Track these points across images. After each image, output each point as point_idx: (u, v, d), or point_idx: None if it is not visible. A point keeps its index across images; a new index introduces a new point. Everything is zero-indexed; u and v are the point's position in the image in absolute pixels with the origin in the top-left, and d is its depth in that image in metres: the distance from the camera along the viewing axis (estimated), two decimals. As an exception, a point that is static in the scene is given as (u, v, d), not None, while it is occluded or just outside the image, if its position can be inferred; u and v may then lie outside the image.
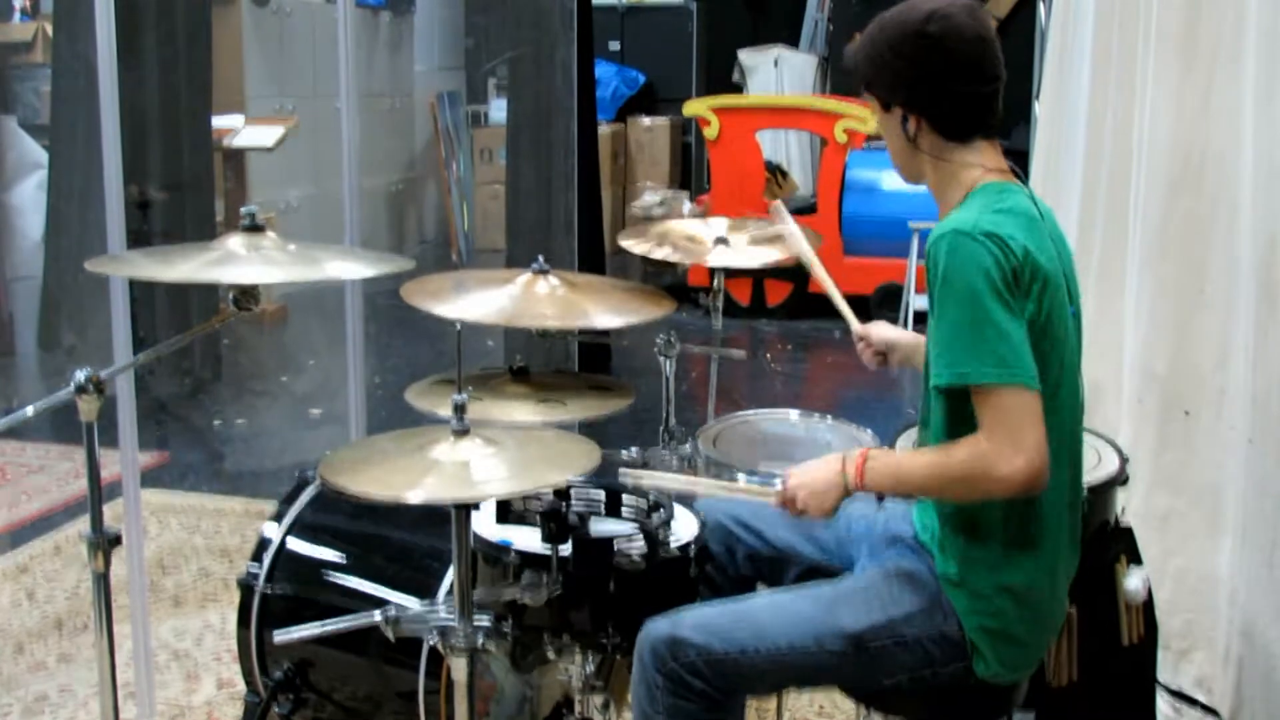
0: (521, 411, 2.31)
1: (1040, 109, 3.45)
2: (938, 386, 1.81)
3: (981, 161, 1.92)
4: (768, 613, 1.95)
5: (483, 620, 1.91)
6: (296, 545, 2.48)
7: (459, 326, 1.97)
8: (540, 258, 2.38)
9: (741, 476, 2.41)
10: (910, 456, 1.91)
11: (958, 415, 1.82)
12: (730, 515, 2.19)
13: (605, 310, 2.38)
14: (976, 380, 1.75)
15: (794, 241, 2.54)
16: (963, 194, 1.91)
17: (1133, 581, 2.30)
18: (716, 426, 2.70)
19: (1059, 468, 1.87)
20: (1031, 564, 1.88)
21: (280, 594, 2.42)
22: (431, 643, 1.92)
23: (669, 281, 7.40)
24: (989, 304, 1.75)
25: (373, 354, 5.88)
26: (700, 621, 1.92)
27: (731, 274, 2.87)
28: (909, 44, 1.88)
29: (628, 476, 2.03)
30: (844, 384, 6.25)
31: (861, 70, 1.96)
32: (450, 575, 2.16)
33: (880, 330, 2.36)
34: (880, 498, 1.95)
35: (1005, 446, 1.73)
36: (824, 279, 2.47)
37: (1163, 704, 2.78)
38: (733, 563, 2.18)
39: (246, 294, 2.07)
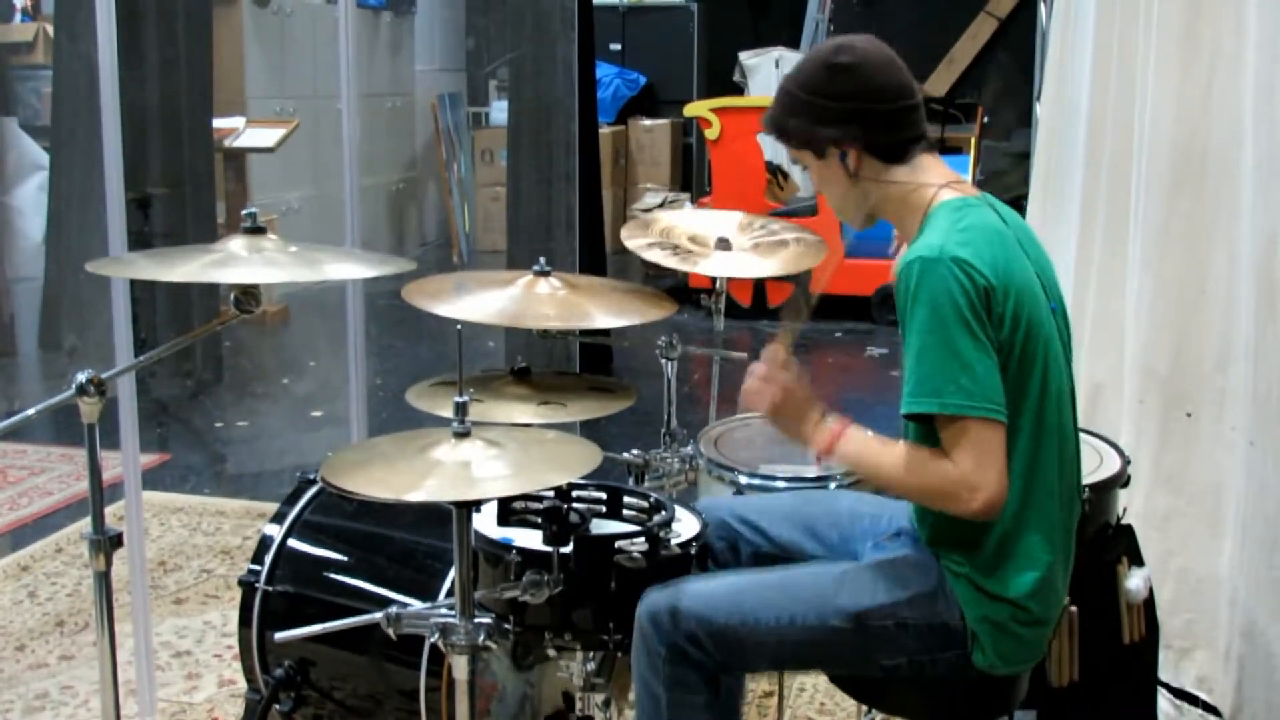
0: (523, 413, 2.31)
1: (1040, 110, 3.45)
2: (904, 415, 1.83)
3: (930, 179, 1.93)
4: (771, 586, 1.96)
5: (484, 618, 1.91)
6: (298, 545, 2.48)
7: (460, 327, 1.97)
8: (542, 259, 2.39)
9: (742, 478, 2.42)
10: (883, 450, 1.90)
11: (929, 439, 1.84)
12: (733, 513, 2.19)
13: (606, 311, 2.38)
14: (939, 409, 1.78)
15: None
16: (921, 216, 1.92)
17: (1134, 581, 2.30)
18: (718, 428, 2.71)
19: (1051, 464, 1.88)
20: (1028, 562, 1.88)
21: (281, 593, 2.43)
22: (433, 641, 1.92)
23: (670, 283, 7.41)
24: (954, 333, 1.76)
25: (374, 355, 5.89)
26: (702, 592, 1.94)
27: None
28: (826, 80, 1.92)
29: None
30: (845, 385, 6.25)
31: (787, 128, 1.97)
32: (451, 575, 2.16)
33: None
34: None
35: (971, 476, 1.77)
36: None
37: (1164, 703, 2.78)
38: (736, 560, 2.18)
39: (248, 295, 2.07)
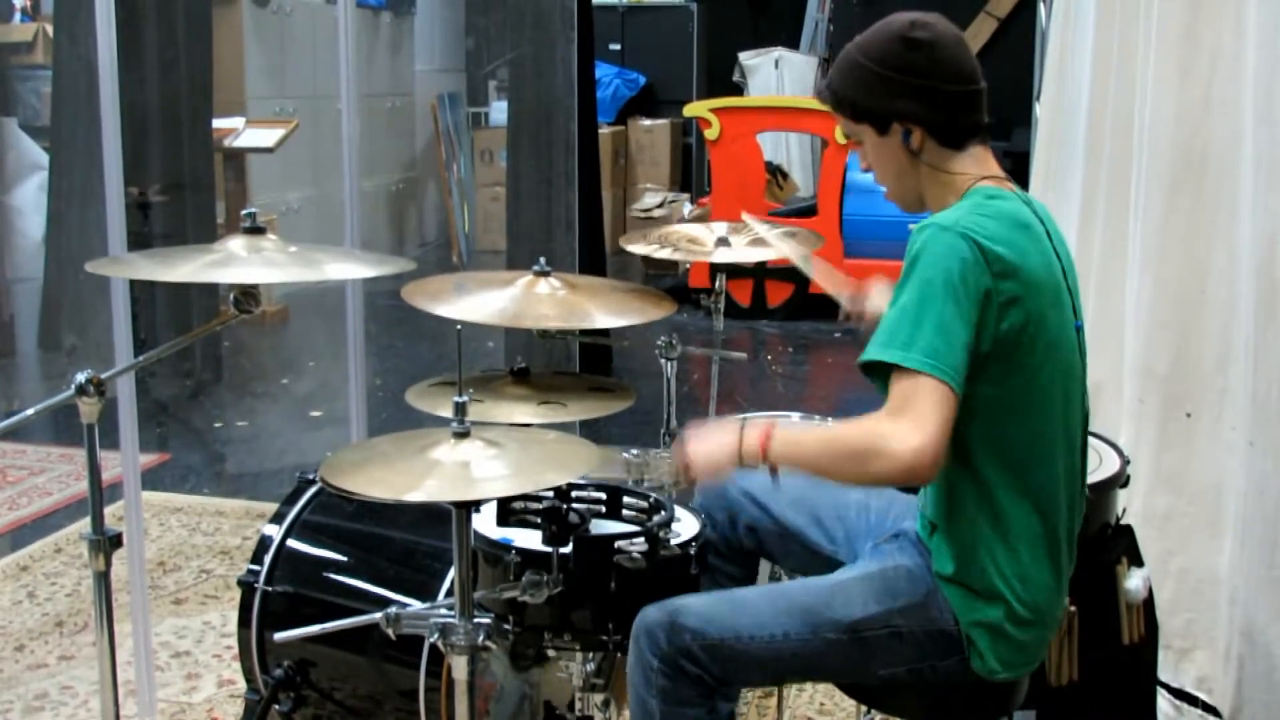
0: (522, 413, 2.31)
1: (1040, 109, 3.46)
2: (862, 363, 1.76)
3: (976, 169, 1.92)
4: (765, 600, 1.95)
5: (483, 618, 1.91)
6: (297, 545, 2.48)
7: (460, 327, 1.97)
8: (542, 259, 2.39)
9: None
10: (808, 430, 1.85)
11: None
12: (739, 487, 2.19)
13: (606, 311, 2.38)
14: (901, 361, 1.71)
15: (783, 247, 2.56)
16: (956, 199, 1.90)
17: (1133, 581, 2.30)
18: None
19: (1052, 464, 1.87)
20: (1026, 566, 1.87)
21: (281, 593, 2.43)
22: (432, 641, 1.92)
23: (670, 283, 7.41)
24: (940, 297, 1.72)
25: (373, 355, 5.89)
26: (697, 607, 1.93)
27: (732, 275, 2.88)
28: (899, 54, 1.86)
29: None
30: (844, 385, 6.25)
31: (849, 99, 1.92)
32: (451, 575, 2.16)
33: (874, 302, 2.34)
34: (774, 472, 1.85)
35: (905, 424, 1.68)
36: (820, 273, 2.49)
37: (1163, 703, 2.78)
38: (734, 532, 2.18)
39: (247, 295, 2.07)
